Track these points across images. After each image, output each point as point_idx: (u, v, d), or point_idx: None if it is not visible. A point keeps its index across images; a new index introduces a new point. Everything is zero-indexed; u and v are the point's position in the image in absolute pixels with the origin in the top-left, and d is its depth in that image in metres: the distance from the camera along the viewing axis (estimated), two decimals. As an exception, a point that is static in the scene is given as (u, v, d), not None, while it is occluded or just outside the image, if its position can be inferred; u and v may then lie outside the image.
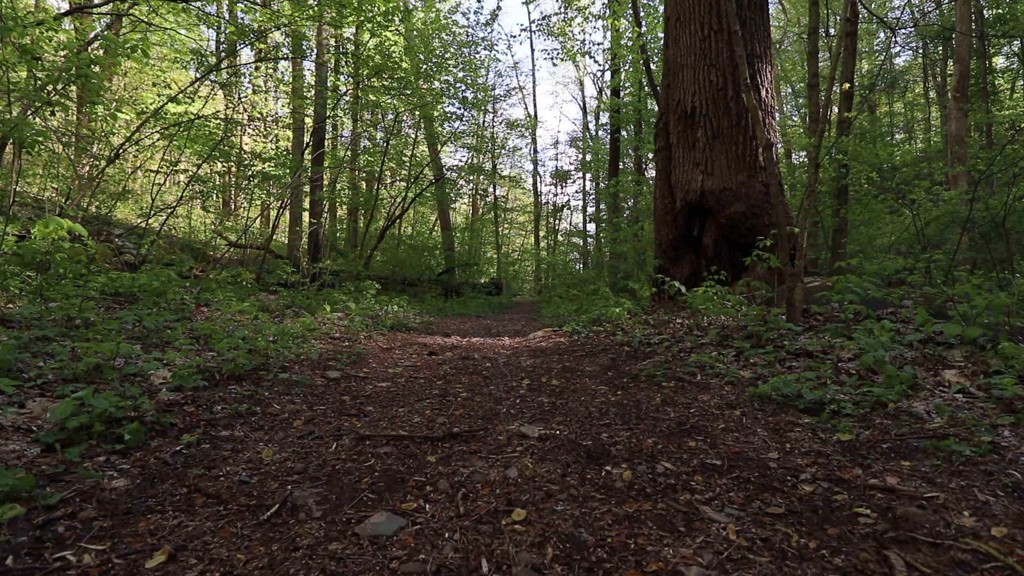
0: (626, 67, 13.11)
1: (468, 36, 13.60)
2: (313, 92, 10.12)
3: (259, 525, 1.12)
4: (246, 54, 11.81)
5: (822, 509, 1.16)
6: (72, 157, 7.25)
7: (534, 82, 33.57)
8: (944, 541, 1.01)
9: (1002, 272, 4.98)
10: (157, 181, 6.77)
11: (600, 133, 20.61)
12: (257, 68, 12.39)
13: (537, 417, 1.94)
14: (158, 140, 7.12)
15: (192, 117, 6.49)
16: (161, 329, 3.00)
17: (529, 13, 24.84)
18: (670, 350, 3.08)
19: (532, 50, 30.87)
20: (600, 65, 16.81)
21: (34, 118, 4.27)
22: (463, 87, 12.27)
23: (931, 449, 1.44)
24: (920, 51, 16.75)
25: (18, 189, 6.29)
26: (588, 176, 22.05)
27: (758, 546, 1.01)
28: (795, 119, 18.42)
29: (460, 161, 17.95)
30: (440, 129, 13.73)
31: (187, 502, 1.22)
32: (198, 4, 6.79)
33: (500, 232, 22.32)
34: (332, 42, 10.79)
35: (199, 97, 7.15)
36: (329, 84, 10.05)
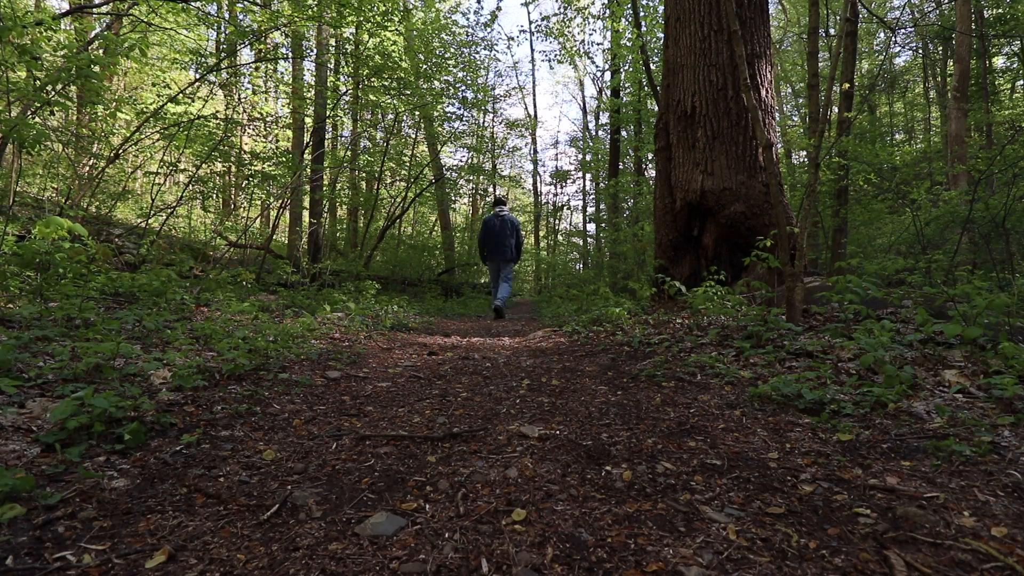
0: (626, 67, 13.11)
1: (468, 36, 13.60)
2: (313, 92, 10.12)
3: (259, 525, 1.12)
4: (246, 54, 11.81)
5: (822, 509, 1.16)
6: (72, 157, 7.25)
7: (534, 82, 33.73)
8: (944, 541, 1.00)
9: (1002, 272, 4.98)
10: (157, 181, 6.77)
11: (600, 133, 20.61)
12: (257, 68, 12.40)
13: (537, 417, 1.94)
14: (158, 140, 7.12)
15: (192, 117, 6.49)
16: (161, 329, 3.00)
17: (529, 13, 24.94)
18: (670, 350, 3.08)
19: (532, 50, 30.95)
20: (600, 65, 16.83)
21: (34, 118, 4.27)
22: (463, 87, 12.28)
23: (931, 449, 1.44)
24: (920, 51, 16.76)
25: (18, 189, 6.29)
26: (588, 176, 22.06)
27: (758, 546, 1.01)
28: (795, 119, 18.42)
29: (460, 161, 17.96)
30: (440, 129, 13.73)
31: (187, 502, 1.22)
32: (198, 4, 6.79)
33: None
34: (332, 42, 10.80)
35: (199, 97, 7.14)
36: (329, 84, 10.05)
